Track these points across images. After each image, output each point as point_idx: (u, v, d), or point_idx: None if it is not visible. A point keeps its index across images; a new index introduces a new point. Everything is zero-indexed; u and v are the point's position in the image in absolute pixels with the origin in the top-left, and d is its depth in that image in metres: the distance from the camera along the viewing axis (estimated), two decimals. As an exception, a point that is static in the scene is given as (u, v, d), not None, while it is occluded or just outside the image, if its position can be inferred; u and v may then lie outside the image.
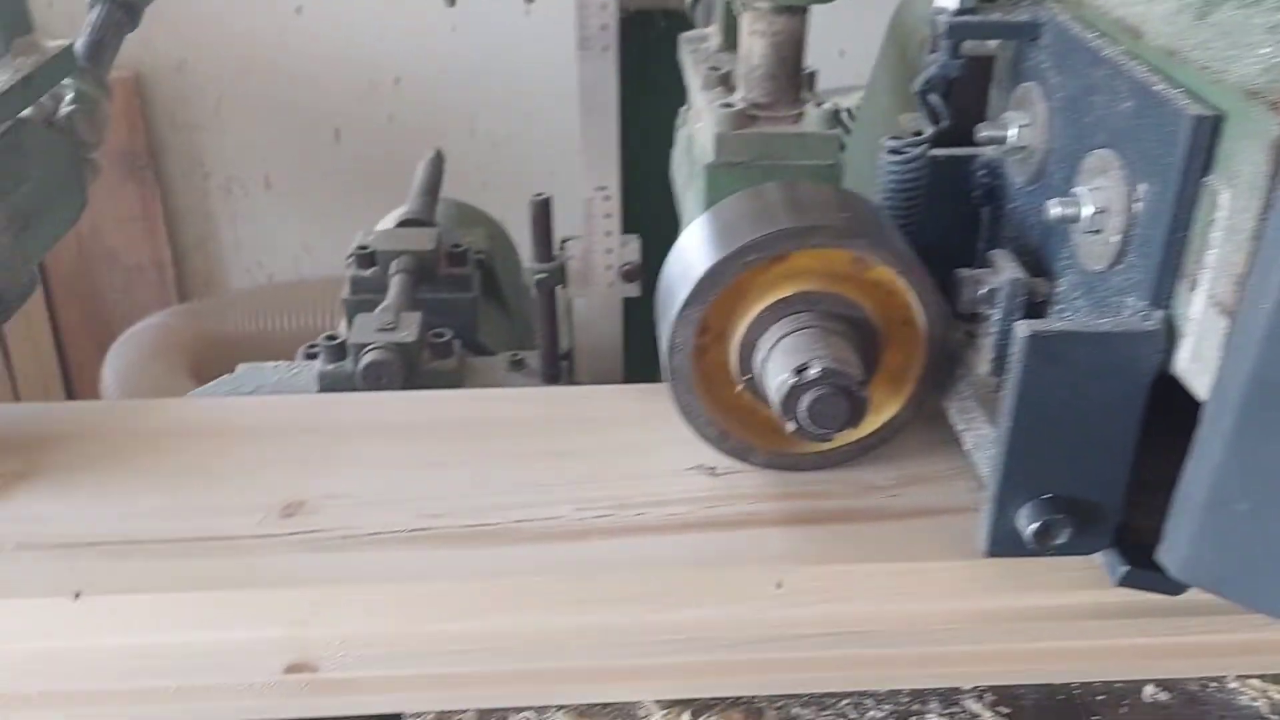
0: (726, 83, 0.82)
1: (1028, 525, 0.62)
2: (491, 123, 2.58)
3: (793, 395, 0.63)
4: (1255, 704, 0.70)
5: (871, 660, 0.73)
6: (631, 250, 0.88)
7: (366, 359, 0.90)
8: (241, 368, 0.96)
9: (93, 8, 1.03)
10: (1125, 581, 0.63)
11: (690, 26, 1.13)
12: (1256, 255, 0.51)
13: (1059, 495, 0.62)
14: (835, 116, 0.76)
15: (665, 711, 0.71)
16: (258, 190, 2.68)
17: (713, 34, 0.95)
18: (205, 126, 2.61)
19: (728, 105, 0.76)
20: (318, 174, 2.64)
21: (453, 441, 0.83)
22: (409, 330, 0.93)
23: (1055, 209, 0.62)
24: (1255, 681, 0.74)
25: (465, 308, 1.07)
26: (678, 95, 1.04)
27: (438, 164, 1.29)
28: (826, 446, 0.73)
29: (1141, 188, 0.58)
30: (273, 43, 2.51)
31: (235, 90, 2.56)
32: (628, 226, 0.91)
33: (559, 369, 0.95)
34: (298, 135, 2.61)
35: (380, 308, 0.98)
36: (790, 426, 0.64)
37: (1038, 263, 0.70)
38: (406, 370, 0.91)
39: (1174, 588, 0.62)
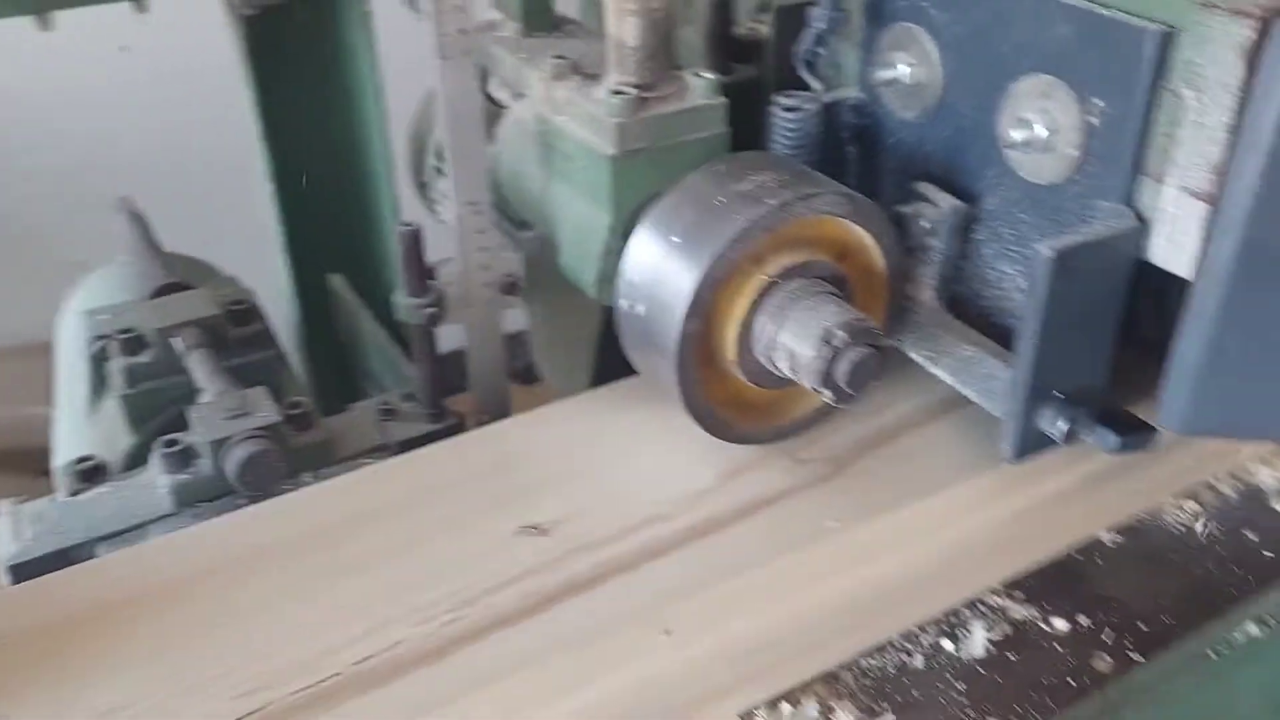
0: (579, 70, 0.78)
1: (1054, 424, 0.68)
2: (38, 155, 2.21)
3: (832, 361, 0.64)
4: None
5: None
6: (508, 261, 0.83)
7: (239, 454, 0.77)
8: (62, 500, 0.78)
9: None
10: (1121, 449, 0.70)
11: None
12: (1237, 142, 0.59)
13: (1071, 392, 0.68)
14: (716, 82, 0.75)
15: None
16: None
17: (503, 23, 0.89)
18: None
19: (619, 92, 0.72)
20: None
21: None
22: (264, 408, 0.81)
23: (1014, 133, 0.67)
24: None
25: (272, 366, 0.95)
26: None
27: (140, 216, 1.11)
28: (810, 409, 0.75)
29: (1097, 103, 0.64)
30: None
31: None
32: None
33: (443, 408, 0.87)
34: None
35: (214, 393, 0.84)
36: (826, 394, 0.65)
37: (951, 188, 0.75)
38: (285, 454, 0.79)
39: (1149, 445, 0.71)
